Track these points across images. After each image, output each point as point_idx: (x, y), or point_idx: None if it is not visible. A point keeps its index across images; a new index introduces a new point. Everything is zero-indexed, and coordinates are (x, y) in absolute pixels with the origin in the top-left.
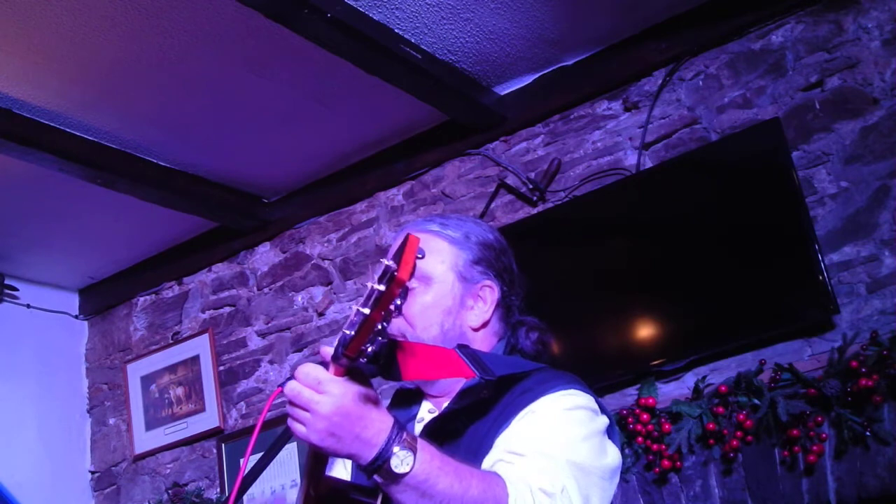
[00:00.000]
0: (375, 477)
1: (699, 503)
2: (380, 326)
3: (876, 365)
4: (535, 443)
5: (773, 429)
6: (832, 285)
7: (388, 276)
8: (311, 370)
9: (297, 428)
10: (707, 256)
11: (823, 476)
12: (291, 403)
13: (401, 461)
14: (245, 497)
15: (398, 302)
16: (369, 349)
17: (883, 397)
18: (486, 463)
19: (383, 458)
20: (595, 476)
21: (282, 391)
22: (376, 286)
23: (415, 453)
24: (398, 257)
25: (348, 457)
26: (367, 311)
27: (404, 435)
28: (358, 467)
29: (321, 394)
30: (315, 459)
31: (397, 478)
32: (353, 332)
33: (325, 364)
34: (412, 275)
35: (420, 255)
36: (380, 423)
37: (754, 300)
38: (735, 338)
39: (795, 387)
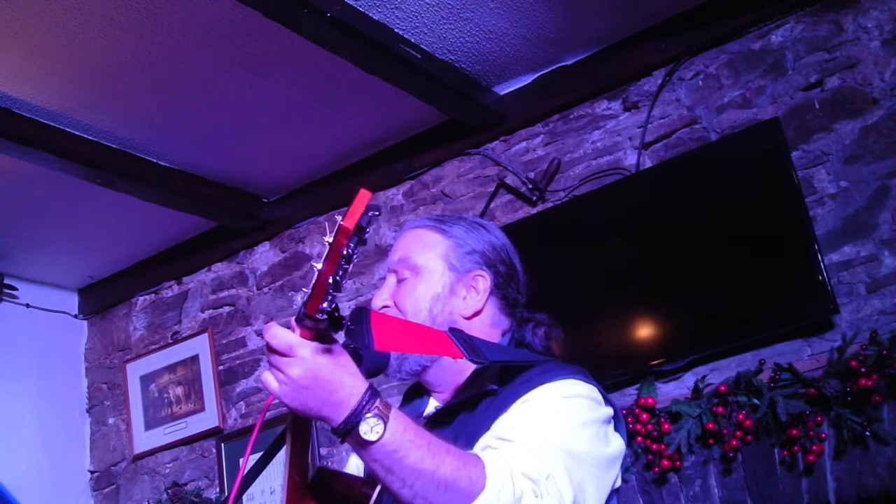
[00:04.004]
0: (347, 442)
1: (699, 503)
2: (331, 280)
3: (875, 365)
4: (525, 429)
5: (772, 429)
6: (832, 285)
7: (335, 228)
8: (278, 332)
9: (271, 383)
10: (706, 256)
11: (823, 476)
12: (269, 354)
13: (370, 428)
14: (245, 496)
15: (347, 252)
16: (325, 305)
17: (882, 397)
18: (475, 450)
19: (352, 423)
20: (589, 465)
21: None
22: (327, 239)
23: (386, 422)
24: (346, 210)
25: (319, 419)
26: (319, 265)
27: (377, 402)
28: (330, 431)
29: (290, 356)
30: (295, 440)
31: (366, 445)
32: (309, 290)
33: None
34: (359, 223)
35: (377, 212)
36: (351, 387)
37: (754, 300)
38: (735, 338)
39: (795, 387)
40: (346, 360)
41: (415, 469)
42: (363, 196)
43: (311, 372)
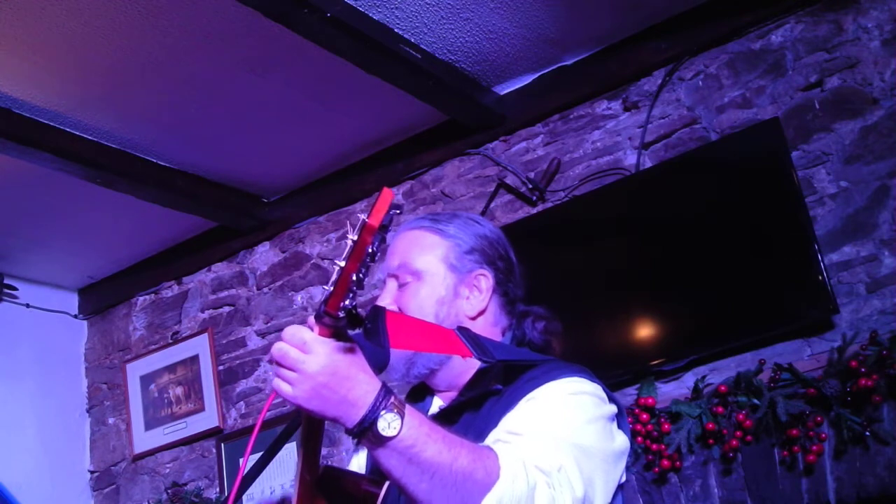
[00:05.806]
0: (363, 442)
1: (699, 503)
2: (355, 277)
3: (875, 365)
4: (535, 424)
5: (772, 429)
6: (832, 285)
7: (359, 225)
8: (297, 331)
9: (283, 388)
10: (706, 256)
11: (823, 476)
12: (278, 364)
13: (388, 424)
14: (245, 496)
15: (371, 250)
16: (347, 302)
17: (882, 397)
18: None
19: (370, 420)
20: (598, 459)
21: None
22: (351, 237)
23: (402, 417)
24: (370, 208)
25: (334, 419)
26: (342, 263)
27: (392, 398)
28: (345, 431)
29: (307, 353)
30: (307, 441)
31: (384, 441)
32: (331, 287)
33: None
34: (383, 222)
35: (398, 211)
36: (367, 384)
37: (754, 300)
38: (735, 338)
39: (795, 387)
40: (361, 359)
41: (433, 462)
42: (387, 195)
43: (328, 368)
